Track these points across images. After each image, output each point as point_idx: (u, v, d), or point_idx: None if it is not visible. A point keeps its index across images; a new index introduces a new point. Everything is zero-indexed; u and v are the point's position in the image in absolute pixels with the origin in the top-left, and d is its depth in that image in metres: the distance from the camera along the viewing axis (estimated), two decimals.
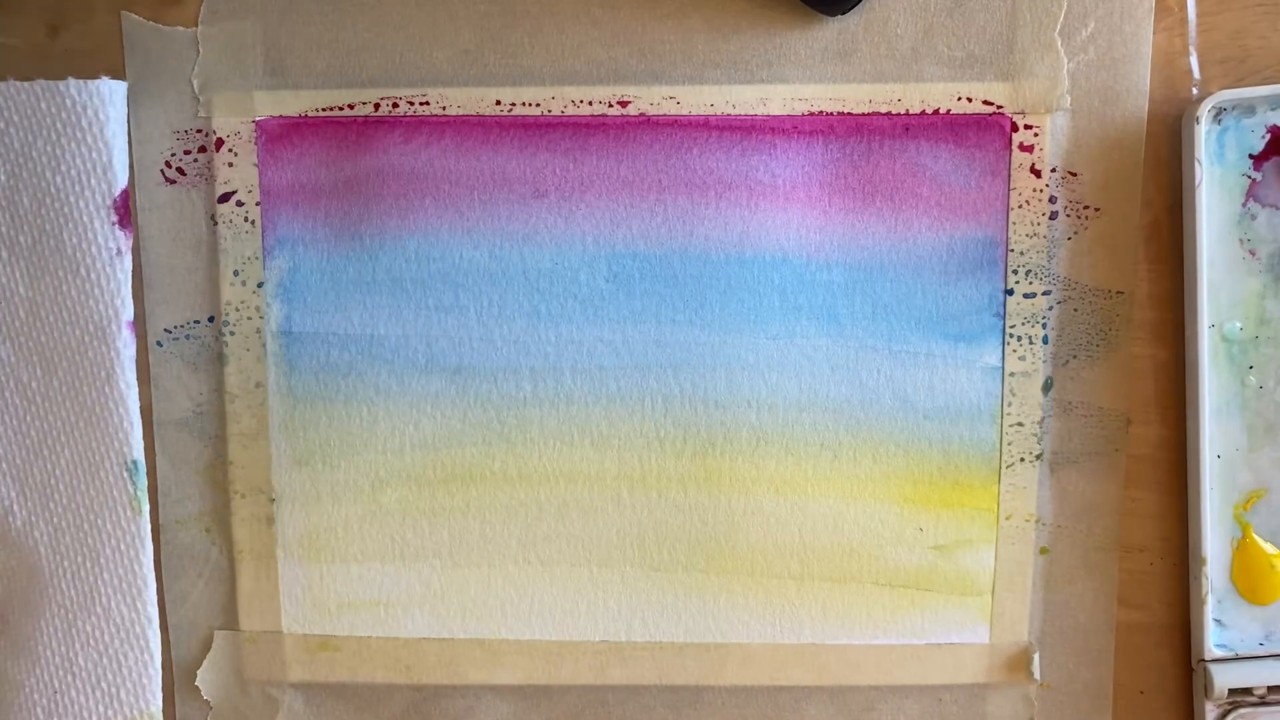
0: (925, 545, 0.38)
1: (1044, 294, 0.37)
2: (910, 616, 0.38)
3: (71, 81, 0.36)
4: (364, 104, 0.37)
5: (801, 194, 0.37)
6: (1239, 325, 0.36)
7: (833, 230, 0.37)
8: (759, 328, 0.37)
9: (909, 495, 0.38)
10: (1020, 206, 0.36)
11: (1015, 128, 0.36)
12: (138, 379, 0.37)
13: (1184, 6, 0.36)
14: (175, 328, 0.38)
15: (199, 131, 0.38)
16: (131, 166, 0.38)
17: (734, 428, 0.38)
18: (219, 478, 0.39)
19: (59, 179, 0.36)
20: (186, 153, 0.38)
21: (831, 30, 0.36)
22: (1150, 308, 0.37)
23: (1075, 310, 0.37)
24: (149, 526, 0.37)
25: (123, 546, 0.37)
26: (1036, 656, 0.38)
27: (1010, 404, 0.37)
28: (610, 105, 0.37)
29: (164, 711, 0.39)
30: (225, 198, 0.38)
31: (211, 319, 0.38)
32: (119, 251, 0.36)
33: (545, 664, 0.39)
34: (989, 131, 0.36)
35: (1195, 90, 0.36)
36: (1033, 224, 0.36)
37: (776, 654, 0.39)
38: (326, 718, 0.40)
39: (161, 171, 0.38)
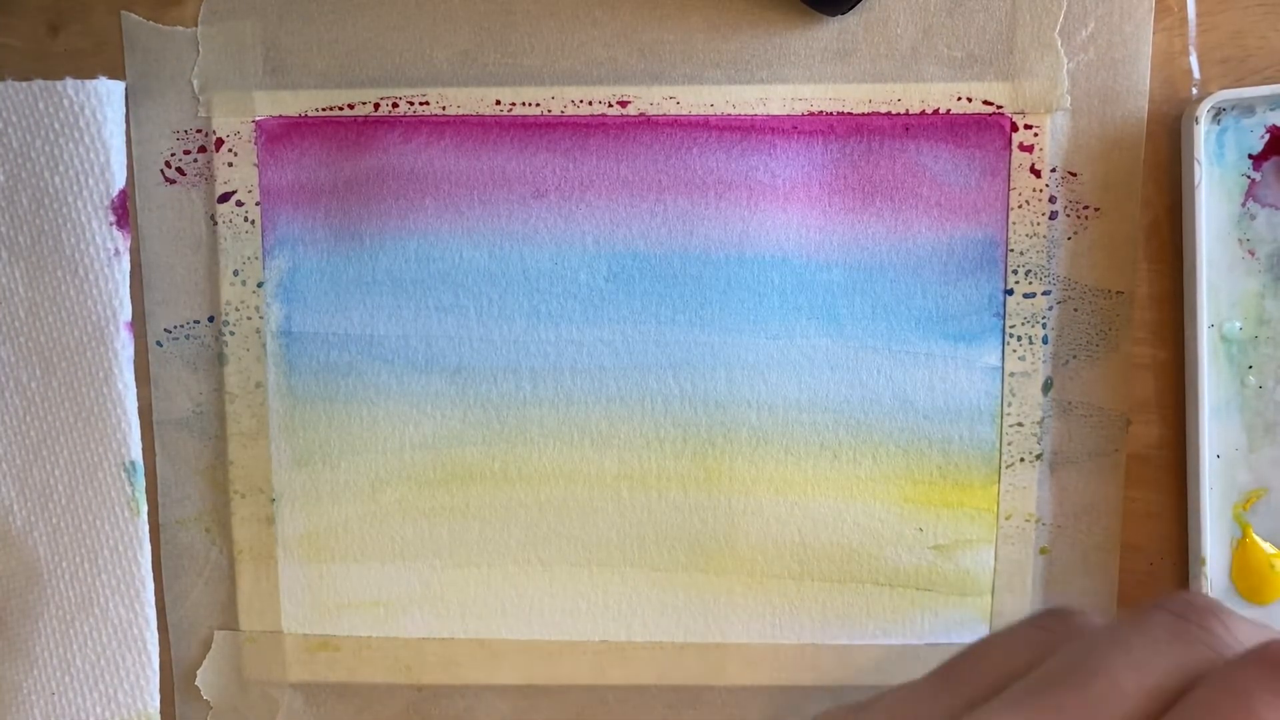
0: (925, 545, 0.38)
1: (1044, 294, 0.37)
2: (910, 616, 0.38)
3: (69, 81, 0.36)
4: (364, 104, 0.37)
5: (801, 194, 0.37)
6: (1238, 325, 0.36)
7: (833, 230, 0.37)
8: (759, 328, 0.37)
9: (909, 495, 0.38)
10: (1020, 206, 0.36)
11: (1015, 128, 0.36)
12: (137, 379, 0.37)
13: (1184, 6, 0.36)
14: (175, 328, 0.38)
15: (199, 131, 0.38)
16: (131, 167, 0.37)
17: (734, 428, 0.38)
18: (219, 478, 0.39)
19: (57, 179, 0.36)
20: (186, 153, 0.38)
21: (831, 30, 0.36)
22: (1150, 308, 0.37)
23: (1075, 310, 0.37)
24: (147, 528, 0.37)
25: (120, 547, 0.37)
26: None
27: (1010, 404, 0.37)
28: (610, 105, 0.37)
29: (163, 711, 0.38)
30: (225, 198, 0.38)
31: (211, 319, 0.38)
32: (117, 252, 0.36)
33: (545, 664, 0.39)
34: (989, 131, 0.36)
35: (1195, 90, 0.36)
36: (1033, 224, 0.36)
37: (776, 654, 0.39)
38: (326, 718, 0.40)
39: (161, 171, 0.38)
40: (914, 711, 0.25)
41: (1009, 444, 0.37)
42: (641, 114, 0.37)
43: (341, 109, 0.37)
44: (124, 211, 0.36)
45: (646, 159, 0.37)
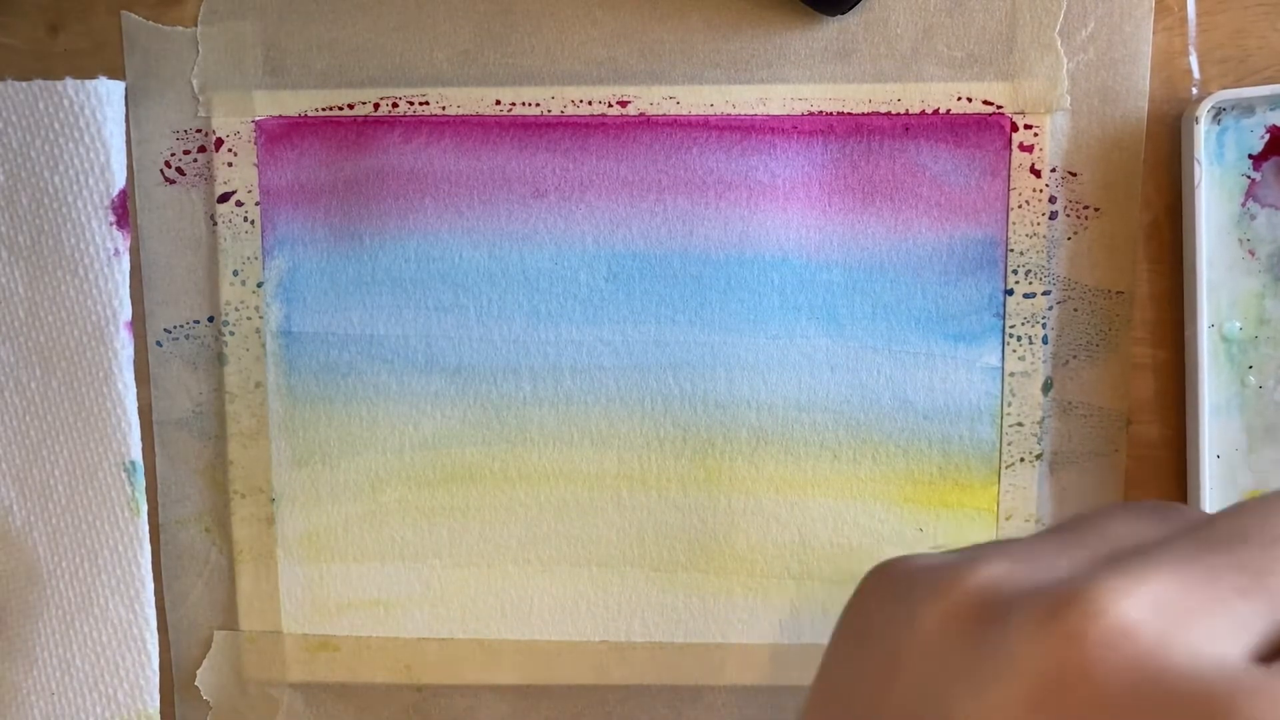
0: (925, 545, 0.38)
1: (1044, 294, 0.37)
2: None
3: (69, 81, 0.36)
4: (364, 104, 0.37)
5: (801, 194, 0.37)
6: (1238, 325, 0.36)
7: (833, 230, 0.37)
8: (759, 328, 0.37)
9: (909, 495, 0.38)
10: (1020, 206, 0.36)
11: (1015, 128, 0.36)
12: (137, 379, 0.37)
13: (1184, 6, 0.36)
14: (175, 328, 0.38)
15: (198, 131, 0.38)
16: (131, 167, 0.37)
17: (734, 428, 0.38)
18: (219, 478, 0.39)
19: (57, 179, 0.36)
20: (186, 153, 0.38)
21: (831, 30, 0.36)
22: (1150, 308, 0.37)
23: (1075, 310, 0.37)
24: (147, 528, 0.37)
25: (120, 547, 0.37)
26: None
27: (1010, 404, 0.37)
28: (610, 105, 0.37)
29: (163, 712, 0.38)
30: (225, 198, 0.38)
31: (211, 319, 0.38)
32: (117, 252, 0.36)
33: (545, 664, 0.39)
34: (989, 131, 0.36)
35: (1195, 90, 0.36)
36: (1033, 224, 0.36)
37: (776, 654, 0.39)
38: (326, 718, 0.40)
39: (161, 171, 0.38)
40: (1040, 559, 0.20)
41: (1009, 444, 0.37)
42: (641, 114, 0.37)
43: (341, 109, 0.37)
44: (124, 211, 0.36)
45: (646, 159, 0.37)
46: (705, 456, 0.38)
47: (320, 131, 0.37)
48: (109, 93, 0.36)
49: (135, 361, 0.37)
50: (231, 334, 0.38)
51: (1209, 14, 0.36)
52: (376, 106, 0.37)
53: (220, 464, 0.39)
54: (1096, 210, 0.36)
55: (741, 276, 0.37)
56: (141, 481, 0.37)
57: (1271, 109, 0.35)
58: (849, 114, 0.36)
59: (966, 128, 0.36)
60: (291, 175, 0.37)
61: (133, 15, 0.37)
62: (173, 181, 0.38)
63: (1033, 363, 0.37)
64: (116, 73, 0.37)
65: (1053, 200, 0.36)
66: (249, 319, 0.38)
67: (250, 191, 0.38)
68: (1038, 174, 0.36)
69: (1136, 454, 0.37)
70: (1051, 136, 0.36)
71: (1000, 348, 0.37)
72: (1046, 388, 0.37)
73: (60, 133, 0.36)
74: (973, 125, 0.36)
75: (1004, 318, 0.37)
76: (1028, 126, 0.36)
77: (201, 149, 0.38)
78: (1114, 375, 0.37)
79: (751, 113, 0.37)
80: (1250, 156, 0.36)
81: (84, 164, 0.36)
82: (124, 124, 0.37)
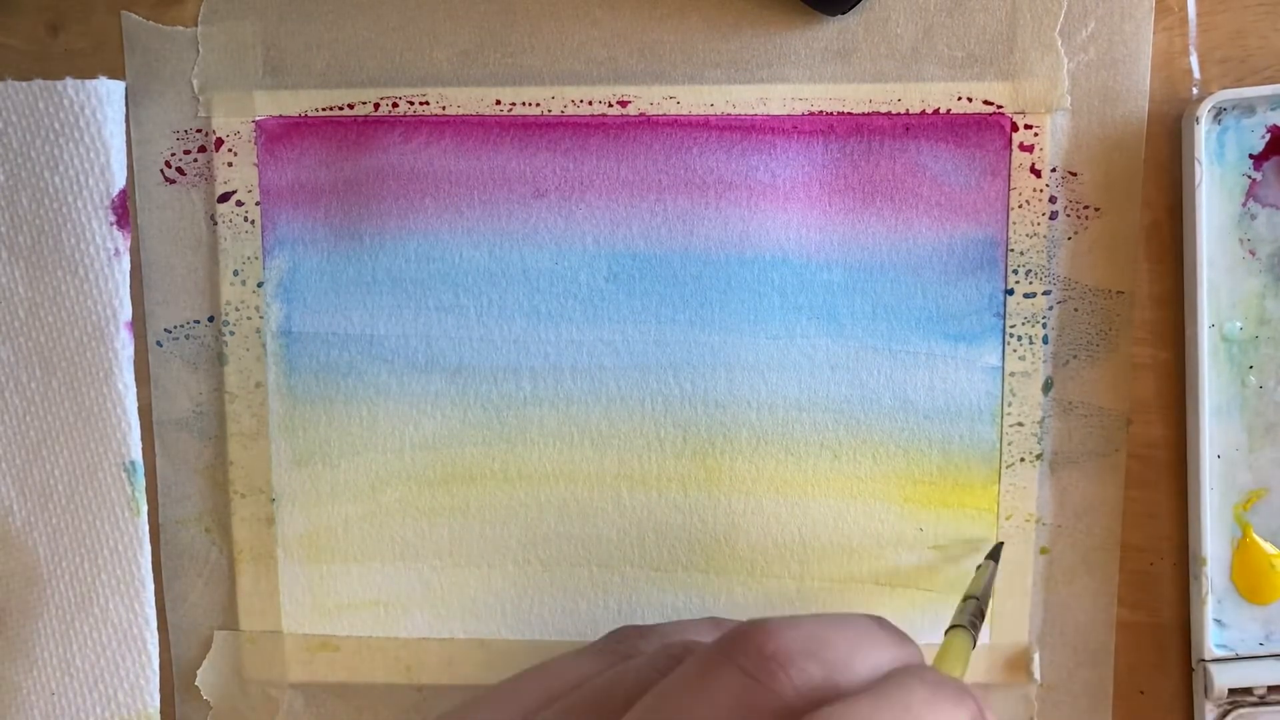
0: (925, 545, 0.38)
1: (1044, 294, 0.37)
2: (910, 616, 0.38)
3: (69, 81, 0.36)
4: (364, 104, 0.37)
5: (801, 194, 0.37)
6: (1239, 325, 0.36)
7: (833, 230, 0.37)
8: (759, 328, 0.37)
9: (909, 495, 0.38)
10: (1020, 206, 0.36)
11: (1015, 128, 0.36)
12: (137, 379, 0.37)
13: (1184, 6, 0.36)
14: (175, 328, 0.38)
15: (199, 131, 0.38)
16: (131, 167, 0.38)
17: (734, 428, 0.38)
18: (219, 478, 0.39)
19: (57, 179, 0.36)
20: (186, 152, 0.38)
21: (831, 30, 0.36)
22: (1150, 308, 0.37)
23: (1075, 310, 0.37)
24: (147, 527, 0.37)
25: (120, 547, 0.37)
26: (1036, 656, 0.38)
27: (1010, 404, 0.37)
28: (610, 105, 0.37)
29: (163, 711, 0.38)
30: (225, 198, 0.38)
31: (211, 319, 0.38)
32: (117, 252, 0.36)
33: None
34: (989, 131, 0.36)
35: (1195, 90, 0.36)
36: (1033, 224, 0.36)
37: None
38: (326, 718, 0.40)
39: (161, 171, 0.38)
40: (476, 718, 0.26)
41: (1009, 444, 0.37)
42: (641, 114, 0.37)
43: (341, 109, 0.37)
44: (124, 211, 0.36)
45: (646, 159, 0.37)
46: (705, 456, 0.38)
47: (320, 131, 0.37)
48: (109, 93, 0.36)
49: (135, 361, 0.37)
50: (231, 334, 0.38)
51: (1209, 14, 0.36)
52: (376, 106, 0.37)
53: (220, 464, 0.39)
54: (1097, 210, 0.36)
55: (742, 276, 0.37)
56: (141, 481, 0.37)
57: (1272, 109, 0.35)
58: (849, 114, 0.36)
59: (967, 128, 0.36)
60: (292, 175, 0.37)
61: (133, 15, 0.37)
62: (173, 181, 0.38)
63: (1033, 363, 0.37)
64: (116, 73, 0.37)
65: (1053, 200, 0.36)
66: (249, 319, 0.38)
67: (250, 191, 0.38)
68: (1038, 174, 0.36)
69: (1136, 454, 0.37)
70: (1052, 136, 0.36)
71: (1000, 348, 0.37)
72: (1047, 388, 0.37)
73: (60, 133, 0.36)
74: (973, 125, 0.36)
75: (1004, 318, 0.37)
76: (1028, 126, 0.36)
77: (201, 149, 0.38)
78: (1114, 375, 0.37)
79: (751, 113, 0.37)
80: (1251, 156, 0.36)
81: (84, 164, 0.36)
82: (124, 124, 0.37)
